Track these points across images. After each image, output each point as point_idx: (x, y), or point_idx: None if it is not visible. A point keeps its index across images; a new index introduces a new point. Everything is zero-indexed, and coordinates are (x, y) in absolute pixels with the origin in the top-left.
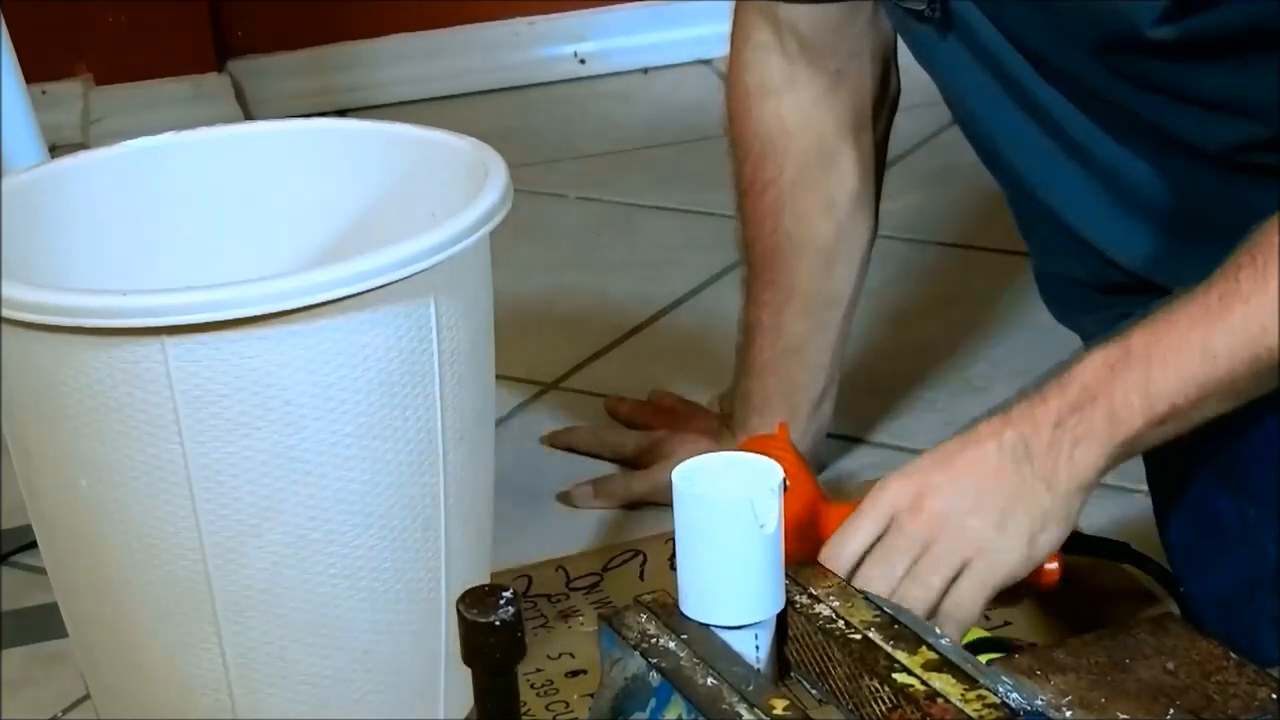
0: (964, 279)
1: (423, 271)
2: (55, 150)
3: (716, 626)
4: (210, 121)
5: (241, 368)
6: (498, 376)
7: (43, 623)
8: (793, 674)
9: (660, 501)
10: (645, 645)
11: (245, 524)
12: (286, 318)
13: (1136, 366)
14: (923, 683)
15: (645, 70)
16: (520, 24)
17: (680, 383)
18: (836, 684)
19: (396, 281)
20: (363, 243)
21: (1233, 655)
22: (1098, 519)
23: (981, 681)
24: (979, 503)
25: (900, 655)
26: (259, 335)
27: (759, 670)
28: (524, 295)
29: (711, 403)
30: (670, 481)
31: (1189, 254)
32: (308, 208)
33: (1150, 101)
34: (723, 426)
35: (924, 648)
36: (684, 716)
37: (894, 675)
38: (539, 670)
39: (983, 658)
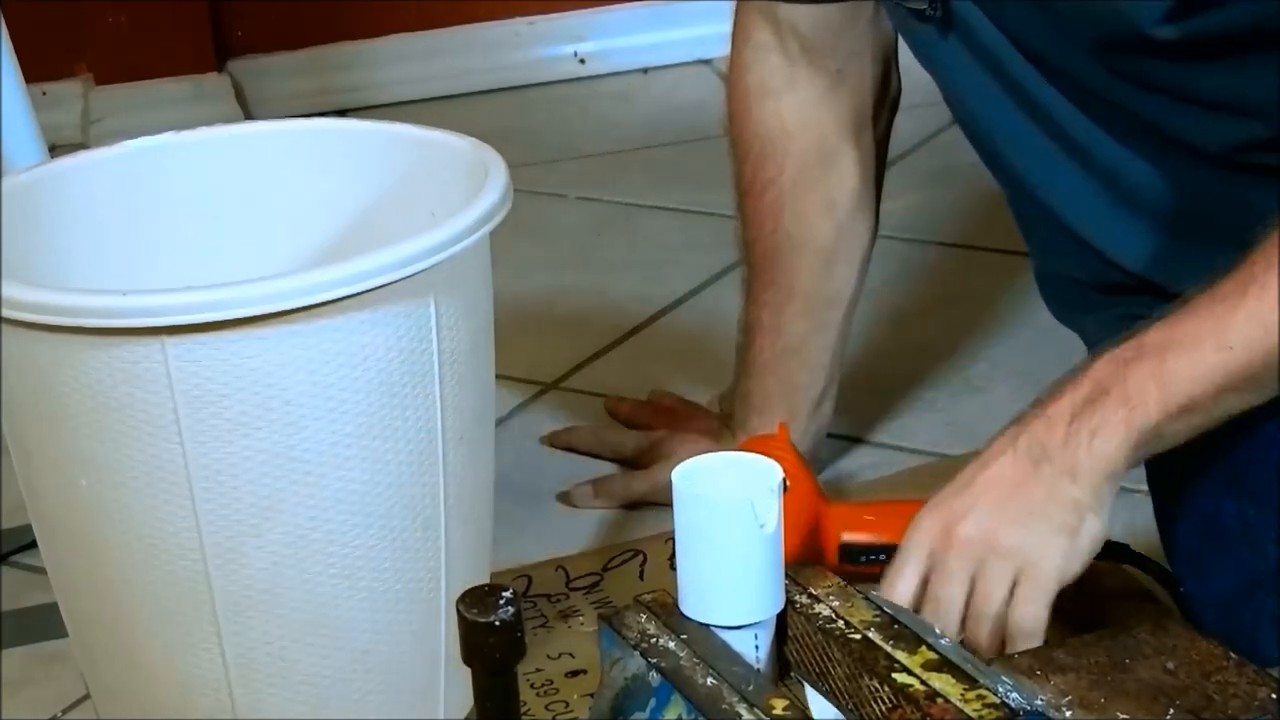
0: (964, 279)
1: (423, 271)
2: (55, 150)
3: (716, 626)
4: (210, 121)
5: (241, 368)
6: (498, 376)
7: (43, 623)
8: (793, 674)
9: (660, 501)
10: (645, 645)
11: (245, 524)
12: (286, 318)
13: (1151, 358)
14: (923, 683)
15: (645, 70)
16: (520, 24)
17: (680, 383)
18: (836, 684)
19: (396, 281)
20: (363, 243)
21: (1233, 655)
22: None
23: (981, 681)
24: (1006, 515)
25: (900, 655)
26: (259, 335)
27: (759, 670)
28: (524, 295)
29: (711, 403)
30: (670, 481)
31: (1189, 254)
32: (308, 208)
33: (1150, 101)
34: (723, 426)
35: (924, 647)
36: (684, 716)
37: (894, 675)
38: (539, 670)
39: None
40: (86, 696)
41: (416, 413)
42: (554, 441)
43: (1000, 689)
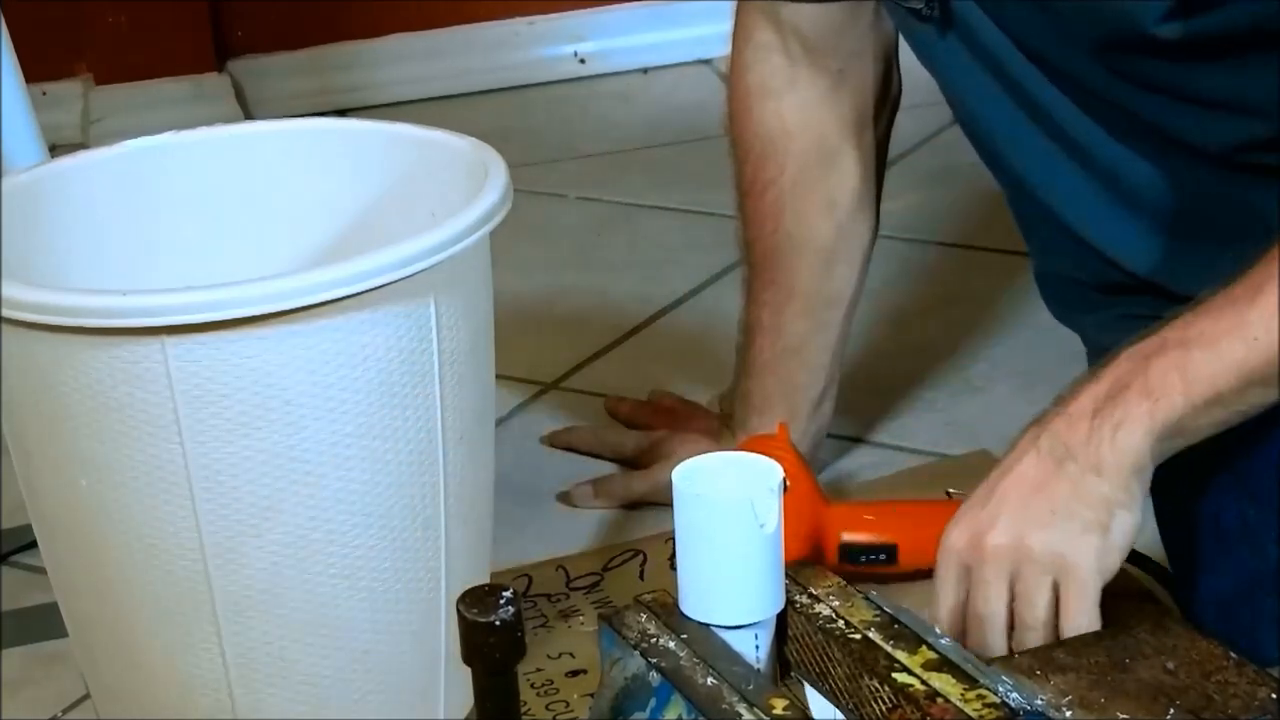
0: (964, 279)
1: (423, 271)
2: (55, 150)
3: (716, 626)
4: (210, 121)
5: (241, 368)
6: (498, 376)
7: (43, 623)
8: (793, 674)
9: (660, 501)
10: (645, 645)
11: (245, 524)
12: (286, 318)
13: (1173, 351)
14: (923, 682)
15: (645, 70)
16: (520, 24)
17: (680, 383)
18: (836, 684)
19: (396, 281)
20: (363, 243)
21: (1233, 655)
22: None
23: (981, 681)
24: (1033, 518)
25: (900, 655)
26: (259, 335)
27: (759, 670)
28: (524, 295)
29: (711, 403)
30: (670, 481)
31: (1189, 254)
32: (308, 208)
33: (1151, 101)
34: (723, 426)
35: (924, 647)
36: (684, 716)
37: (894, 675)
38: (539, 670)
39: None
40: (86, 696)
41: (416, 413)
42: (554, 441)
43: (1000, 689)
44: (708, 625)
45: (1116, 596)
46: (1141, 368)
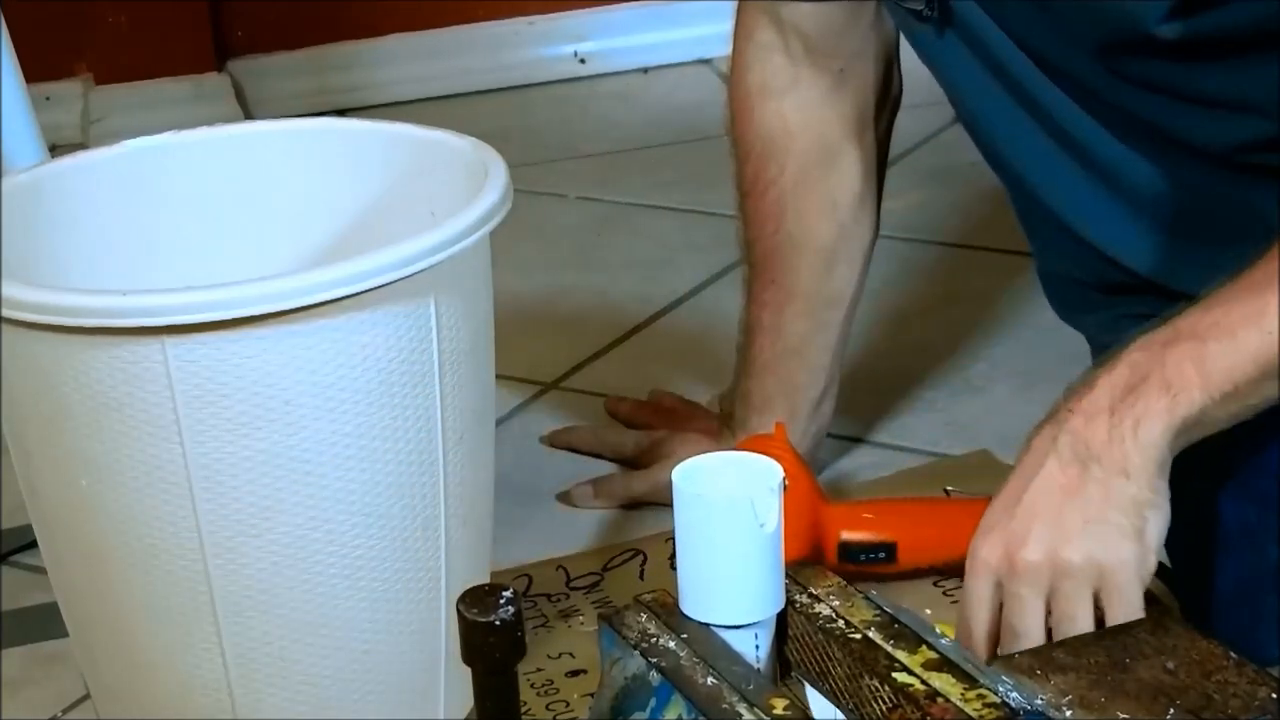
0: (964, 279)
1: (423, 271)
2: (55, 150)
3: (716, 626)
4: (210, 121)
5: (241, 368)
6: (498, 376)
7: (43, 623)
8: (793, 674)
9: (660, 501)
10: (645, 645)
11: (245, 524)
12: (286, 318)
13: (1188, 341)
14: (923, 682)
15: (645, 70)
16: (520, 24)
17: (680, 383)
18: (836, 684)
19: (396, 281)
20: (363, 243)
21: (1233, 655)
22: None
23: (981, 681)
24: (1065, 532)
25: (900, 655)
26: (259, 335)
27: (759, 670)
28: (524, 295)
29: (711, 403)
30: (670, 481)
31: (1190, 254)
32: (308, 208)
33: (1151, 101)
34: (723, 426)
35: (924, 647)
36: (684, 716)
37: (894, 675)
38: (539, 670)
39: None
40: (86, 696)
41: (416, 413)
42: (554, 441)
43: (1000, 689)
44: (708, 625)
45: None
46: (1158, 359)
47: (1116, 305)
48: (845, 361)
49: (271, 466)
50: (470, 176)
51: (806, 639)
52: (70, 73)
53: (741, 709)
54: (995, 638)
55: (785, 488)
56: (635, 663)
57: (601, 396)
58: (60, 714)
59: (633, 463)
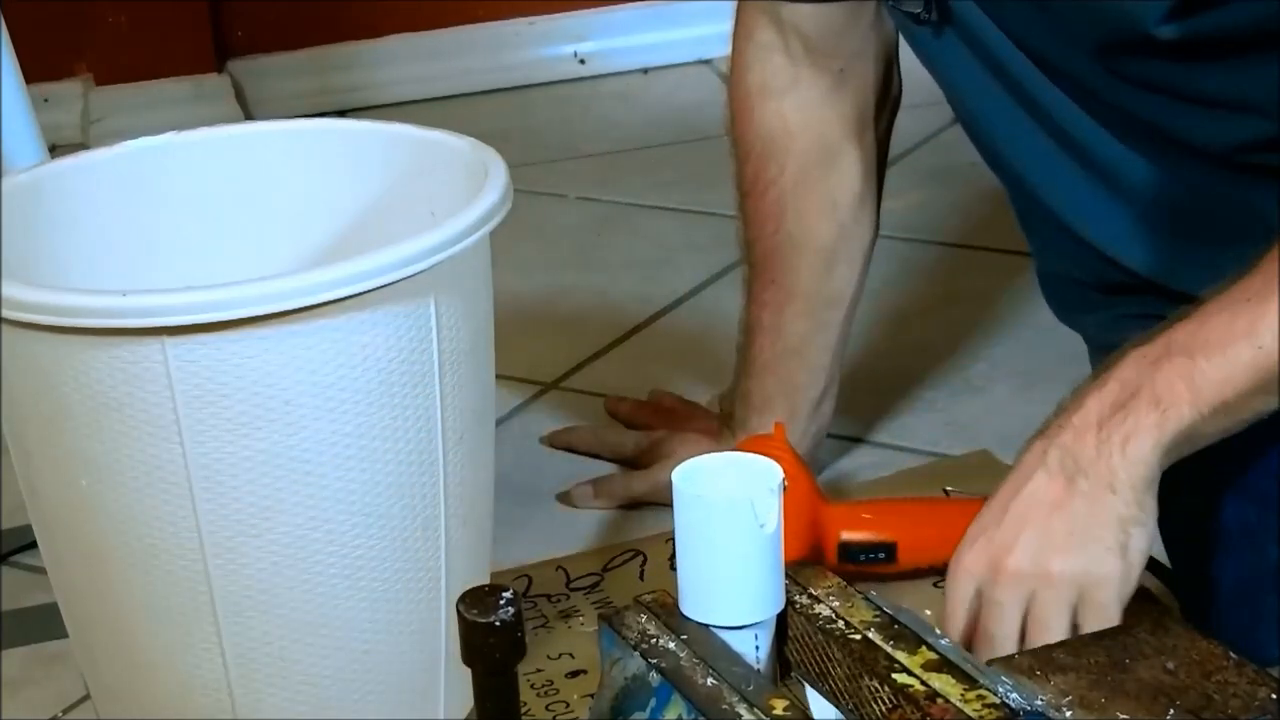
0: (964, 279)
1: (423, 271)
2: (55, 150)
3: (716, 626)
4: (210, 121)
5: (242, 368)
6: (498, 376)
7: (43, 623)
8: (793, 674)
9: (660, 501)
10: (645, 645)
11: (245, 524)
12: (286, 318)
13: (1179, 357)
14: (923, 683)
15: (645, 70)
16: (520, 24)
17: (680, 383)
18: (836, 684)
19: (396, 281)
20: (363, 243)
21: (1233, 655)
22: None
23: (981, 681)
24: (1051, 542)
25: (900, 655)
26: (259, 335)
27: (759, 670)
28: (524, 295)
29: (711, 403)
30: (670, 481)
31: (1189, 254)
32: (308, 208)
33: (1151, 101)
34: (723, 426)
35: (924, 648)
36: (684, 716)
37: (894, 675)
38: (539, 670)
39: None
40: (86, 696)
41: (416, 413)
42: (554, 441)
43: (1000, 689)
44: (708, 626)
45: None
46: (1148, 374)
47: (1116, 305)
48: (845, 361)
49: (271, 466)
50: (470, 176)
51: (806, 639)
52: (70, 73)
53: (741, 709)
54: (969, 644)
55: (785, 488)
56: (635, 663)
57: (601, 396)
58: (60, 714)
59: (633, 463)
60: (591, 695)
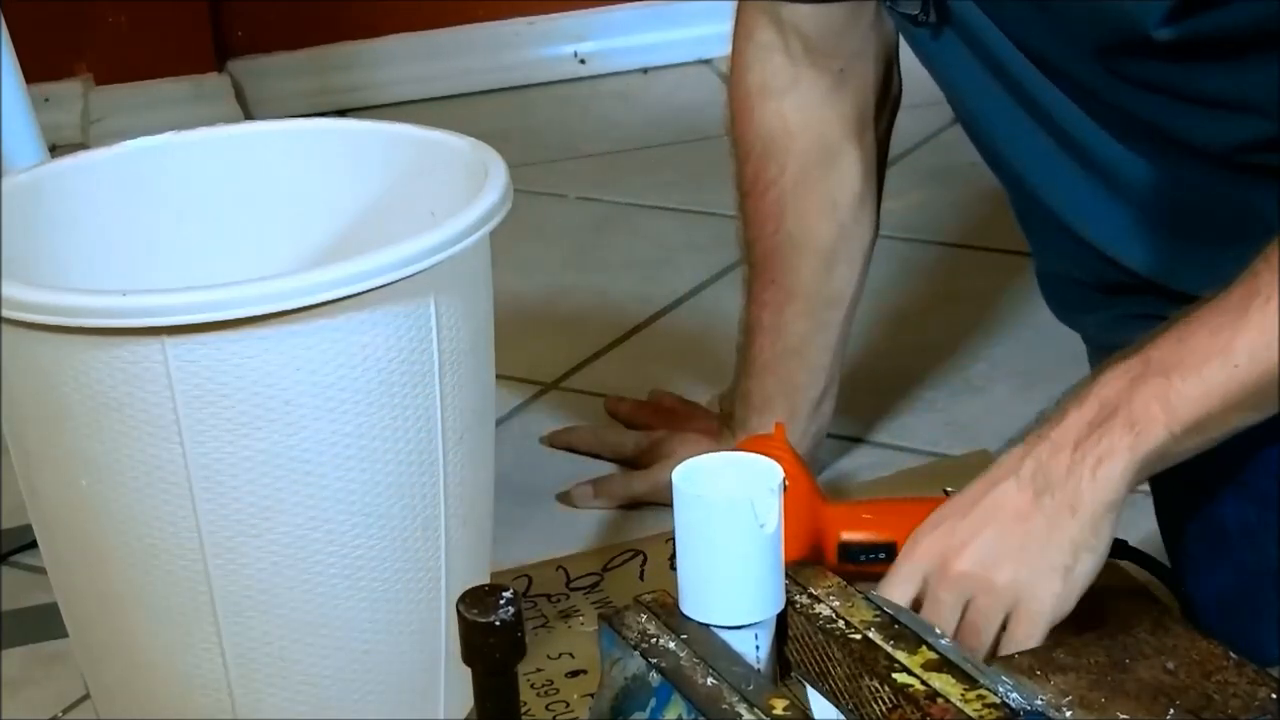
0: (964, 279)
1: (423, 271)
2: (55, 150)
3: (716, 626)
4: (210, 121)
5: (241, 368)
6: (498, 376)
7: (43, 623)
8: (793, 674)
9: (660, 501)
10: (645, 645)
11: (245, 524)
12: (286, 318)
13: (1157, 378)
14: (923, 683)
15: (645, 70)
16: (520, 24)
17: (680, 383)
18: (836, 684)
19: (396, 281)
20: (363, 243)
21: (1233, 655)
22: None
23: (981, 681)
24: (1003, 552)
25: (900, 655)
26: (259, 335)
27: (759, 670)
28: (524, 295)
29: (711, 403)
30: (670, 481)
31: (1189, 254)
32: (308, 208)
33: (1151, 101)
34: (723, 426)
35: (924, 648)
36: (684, 716)
37: (894, 675)
38: (539, 670)
39: None
40: (86, 696)
41: (416, 413)
42: (554, 441)
43: (1000, 689)
44: (708, 625)
45: (1117, 596)
46: (1127, 394)
47: (1115, 305)
48: (845, 361)
49: (271, 466)
50: (470, 176)
51: (806, 639)
52: (70, 73)
53: (741, 709)
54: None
55: (785, 488)
56: (635, 663)
57: (601, 396)
58: (60, 714)
59: (633, 463)
60: (591, 695)
